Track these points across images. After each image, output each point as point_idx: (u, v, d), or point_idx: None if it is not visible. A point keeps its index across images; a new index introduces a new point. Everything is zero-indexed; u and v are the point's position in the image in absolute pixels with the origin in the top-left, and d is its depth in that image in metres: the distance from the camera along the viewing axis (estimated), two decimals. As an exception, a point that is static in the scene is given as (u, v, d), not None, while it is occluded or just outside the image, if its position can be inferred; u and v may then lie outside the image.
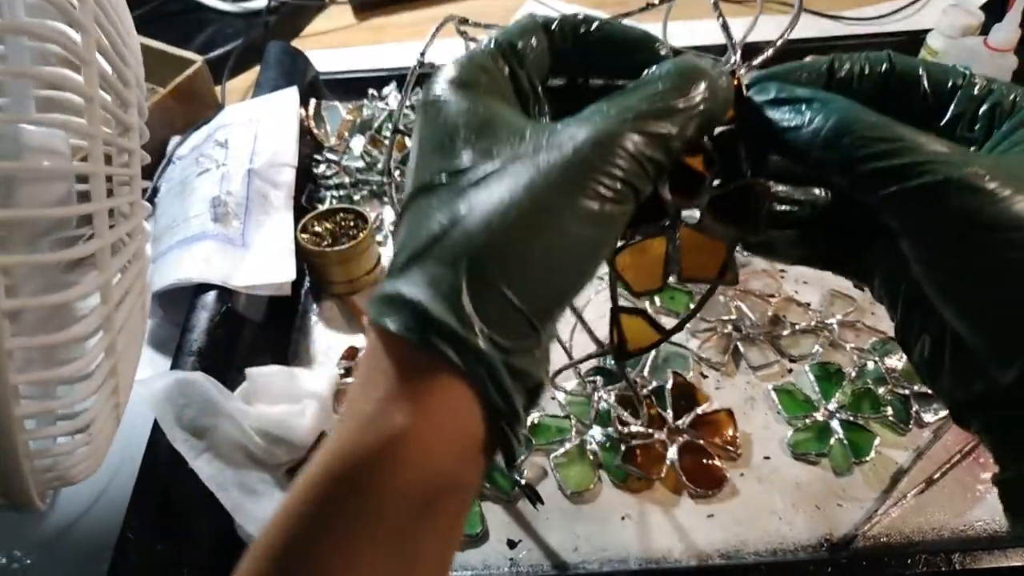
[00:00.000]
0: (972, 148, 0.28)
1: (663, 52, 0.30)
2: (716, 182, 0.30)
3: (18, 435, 0.30)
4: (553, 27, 0.31)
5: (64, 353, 0.31)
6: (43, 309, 0.31)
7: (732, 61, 0.30)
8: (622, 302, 0.33)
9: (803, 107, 0.28)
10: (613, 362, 0.61)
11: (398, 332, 0.24)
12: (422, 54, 0.38)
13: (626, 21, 0.35)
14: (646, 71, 0.27)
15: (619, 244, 0.30)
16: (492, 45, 0.29)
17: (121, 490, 0.50)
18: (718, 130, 0.29)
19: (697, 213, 0.31)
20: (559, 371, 0.54)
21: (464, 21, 0.39)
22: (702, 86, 0.26)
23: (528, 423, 0.58)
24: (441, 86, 0.28)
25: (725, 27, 0.31)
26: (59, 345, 0.30)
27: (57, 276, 0.32)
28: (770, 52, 0.32)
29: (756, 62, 0.32)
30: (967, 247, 0.25)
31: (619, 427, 0.57)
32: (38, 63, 0.32)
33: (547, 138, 0.26)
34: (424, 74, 0.38)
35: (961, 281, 0.25)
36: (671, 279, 0.32)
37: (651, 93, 0.26)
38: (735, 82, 0.29)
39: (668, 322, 0.34)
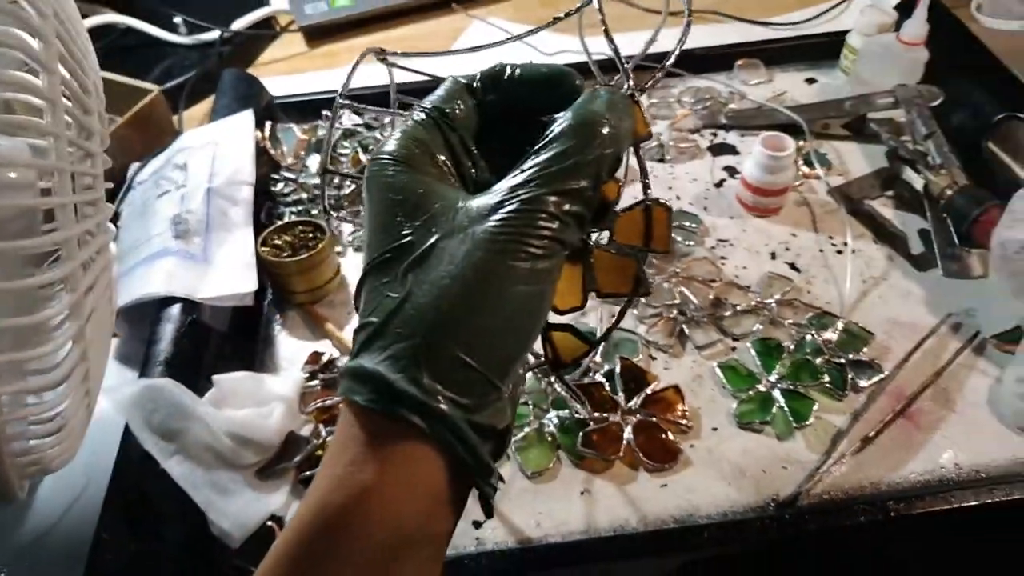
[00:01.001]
0: None
1: (577, 82, 0.33)
2: (619, 206, 0.33)
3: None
4: (475, 84, 0.34)
5: (34, 338, 0.33)
6: (11, 295, 0.33)
7: (625, 87, 0.33)
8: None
9: None
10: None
11: (365, 404, 0.27)
12: (341, 94, 0.40)
13: (546, 32, 0.38)
14: (549, 129, 0.30)
15: None
16: (423, 115, 0.33)
17: (95, 494, 0.52)
18: None
19: (606, 235, 0.34)
20: None
21: (381, 52, 0.41)
22: (603, 132, 0.30)
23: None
24: (382, 162, 0.31)
25: (616, 53, 0.34)
26: (29, 329, 0.32)
27: (25, 266, 0.34)
28: (659, 74, 0.35)
29: (649, 83, 0.34)
30: None
31: (575, 415, 0.60)
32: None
33: (477, 210, 0.29)
34: (347, 107, 0.41)
35: None
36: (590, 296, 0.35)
37: (558, 153, 0.29)
38: (635, 105, 0.32)
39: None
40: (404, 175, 0.31)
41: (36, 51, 0.33)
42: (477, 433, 0.28)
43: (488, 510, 0.30)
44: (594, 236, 0.34)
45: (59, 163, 0.32)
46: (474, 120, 0.34)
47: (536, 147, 0.30)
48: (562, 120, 0.30)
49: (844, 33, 0.90)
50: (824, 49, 0.93)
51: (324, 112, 0.89)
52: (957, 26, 0.89)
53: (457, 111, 0.33)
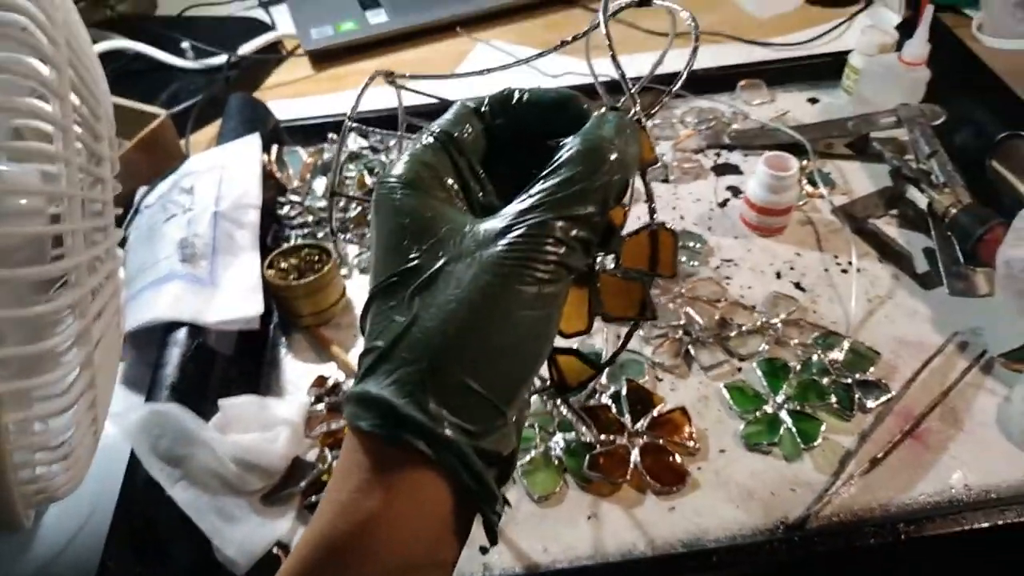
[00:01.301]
0: None
1: (584, 106, 0.33)
2: (625, 230, 0.33)
3: (4, 446, 0.32)
4: (483, 108, 0.35)
5: (42, 365, 0.33)
6: (19, 322, 0.33)
7: (632, 112, 0.33)
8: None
9: None
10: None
11: (370, 430, 0.27)
12: (350, 116, 0.41)
13: (553, 55, 0.38)
14: (557, 155, 0.30)
15: None
16: (432, 139, 0.33)
17: (101, 522, 0.52)
18: None
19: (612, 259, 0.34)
20: None
21: (391, 74, 0.42)
22: (610, 158, 0.30)
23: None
24: (390, 185, 0.31)
25: (623, 78, 0.34)
26: (36, 356, 0.32)
27: (33, 293, 0.35)
28: (666, 98, 0.35)
29: (656, 107, 0.35)
30: None
31: (581, 438, 0.60)
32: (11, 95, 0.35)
33: (484, 235, 0.29)
34: (354, 130, 0.41)
35: None
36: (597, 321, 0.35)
37: (565, 179, 0.29)
38: (641, 130, 0.32)
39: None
40: (412, 198, 0.31)
41: (48, 79, 0.33)
42: (482, 459, 0.28)
43: (493, 537, 0.30)
44: (600, 260, 0.34)
45: (69, 189, 0.32)
46: (482, 144, 0.34)
47: (544, 172, 0.30)
48: (570, 146, 0.30)
49: (846, 53, 0.91)
50: (826, 69, 0.93)
51: (330, 135, 0.90)
52: (958, 46, 0.90)
53: (465, 135, 0.33)
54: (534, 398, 0.63)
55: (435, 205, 0.31)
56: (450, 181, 0.32)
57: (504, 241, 0.28)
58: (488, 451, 0.28)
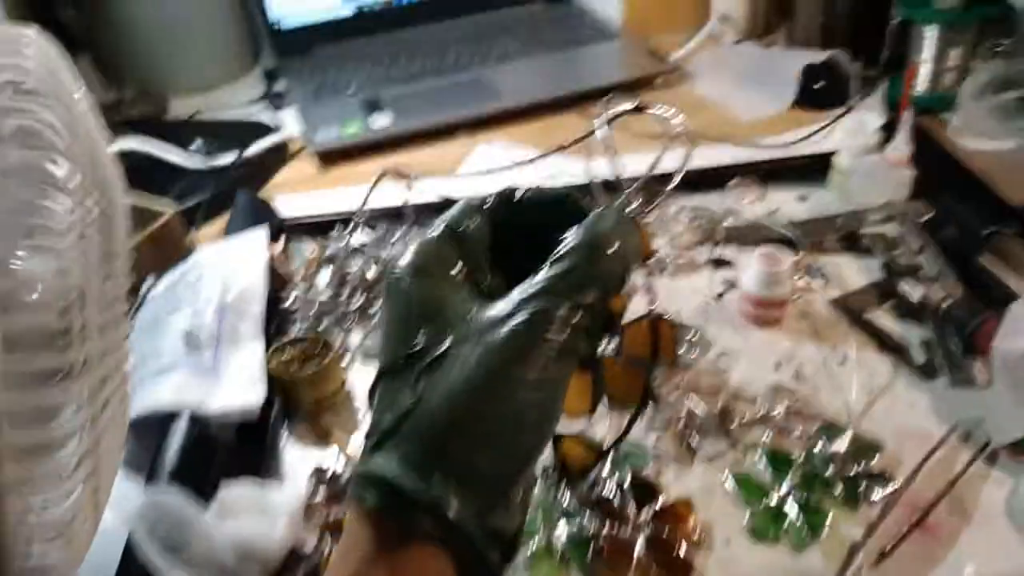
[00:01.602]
0: None
1: (581, 204, 0.36)
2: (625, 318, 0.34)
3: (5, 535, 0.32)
4: (487, 205, 0.37)
5: (44, 451, 0.33)
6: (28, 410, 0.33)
7: (631, 208, 0.35)
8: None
9: None
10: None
11: (375, 506, 0.28)
12: (362, 206, 0.43)
13: (553, 157, 0.40)
14: (561, 245, 0.32)
15: None
16: (439, 230, 0.35)
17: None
18: None
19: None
20: None
21: (400, 173, 0.44)
22: (611, 248, 0.31)
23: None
24: (400, 272, 0.33)
25: (619, 180, 0.36)
26: (42, 444, 0.32)
27: (39, 382, 0.35)
28: (663, 197, 0.37)
29: (654, 204, 0.37)
30: None
31: (584, 526, 0.58)
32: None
33: (489, 319, 0.30)
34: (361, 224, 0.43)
35: None
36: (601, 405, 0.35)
37: (568, 268, 0.31)
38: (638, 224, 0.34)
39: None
40: (419, 285, 0.32)
41: (65, 179, 0.35)
42: (487, 537, 0.28)
43: None
44: (603, 347, 0.35)
45: (82, 281, 0.33)
46: (486, 236, 0.36)
47: (548, 262, 0.31)
48: (573, 237, 0.32)
49: (831, 153, 0.95)
50: (813, 168, 0.97)
51: (335, 230, 0.91)
52: (938, 146, 0.94)
53: (470, 227, 0.35)
54: (538, 486, 0.62)
55: (442, 291, 0.32)
56: (456, 269, 0.34)
57: (508, 325, 0.29)
58: (492, 529, 0.28)
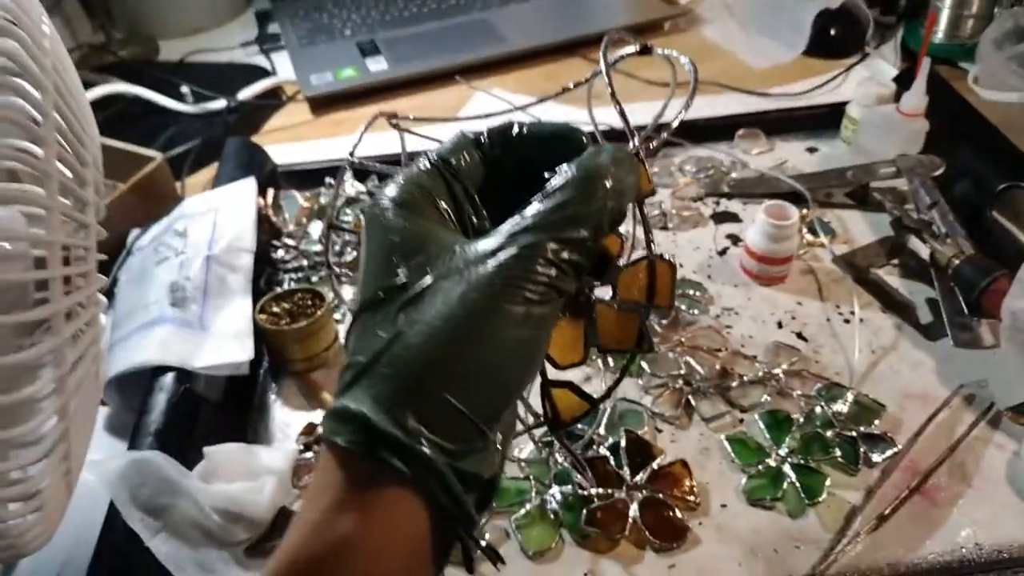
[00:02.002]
0: None
1: (583, 139, 0.33)
2: (622, 260, 0.32)
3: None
4: (483, 139, 0.35)
5: (14, 414, 0.32)
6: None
7: (632, 146, 0.33)
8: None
9: None
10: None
11: (346, 446, 0.26)
12: (351, 153, 0.41)
13: (551, 103, 0.38)
14: (552, 179, 0.30)
15: None
16: (428, 163, 0.33)
17: (75, 575, 0.49)
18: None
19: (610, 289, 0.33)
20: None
21: (394, 116, 0.42)
22: (607, 185, 0.29)
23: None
24: (383, 204, 0.31)
25: (623, 114, 0.34)
26: (9, 405, 0.31)
27: (9, 338, 0.33)
28: (664, 134, 0.35)
29: (654, 144, 0.35)
30: None
31: (579, 490, 0.58)
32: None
33: (475, 253, 0.29)
34: (357, 170, 0.41)
35: None
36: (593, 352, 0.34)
37: (560, 202, 0.29)
38: (640, 164, 0.32)
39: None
40: (403, 218, 0.31)
41: (33, 122, 0.33)
42: (462, 481, 0.27)
43: (470, 565, 0.29)
44: (597, 291, 0.33)
45: (52, 236, 0.31)
46: (479, 173, 0.34)
47: (538, 196, 0.30)
48: (566, 171, 0.30)
49: (843, 104, 0.91)
50: (824, 119, 0.94)
51: (327, 180, 0.89)
52: (955, 98, 0.90)
53: (462, 163, 0.33)
54: (530, 446, 0.61)
55: (426, 225, 0.31)
56: (444, 204, 0.32)
57: (494, 260, 0.28)
58: (468, 472, 0.27)
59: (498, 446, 0.29)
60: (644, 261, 0.32)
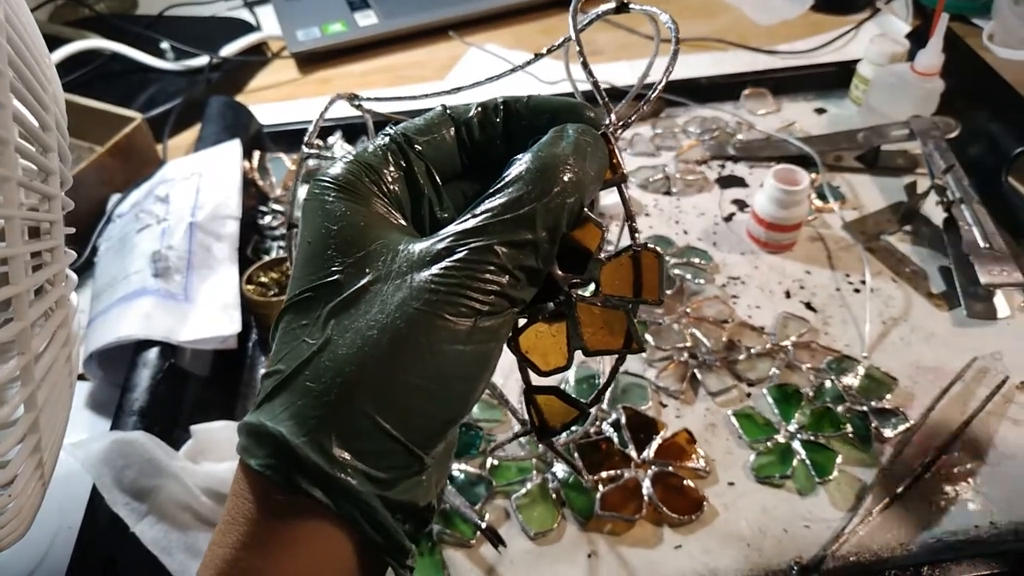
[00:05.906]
0: None
1: (589, 114, 0.29)
2: (604, 253, 0.29)
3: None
4: (471, 116, 0.30)
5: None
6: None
7: (607, 122, 0.29)
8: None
9: None
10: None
11: (260, 470, 0.23)
12: (306, 142, 0.37)
13: (548, 60, 0.34)
14: (505, 172, 0.26)
15: (520, 324, 0.29)
16: (386, 141, 0.28)
17: (58, 561, 0.47)
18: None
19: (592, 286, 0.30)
20: (493, 448, 0.56)
21: (355, 97, 0.38)
22: (564, 179, 0.26)
23: (488, 465, 0.57)
24: (323, 185, 0.27)
25: (596, 86, 0.31)
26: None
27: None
28: (643, 105, 0.31)
29: (632, 117, 0.31)
30: None
31: (585, 477, 0.55)
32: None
33: (419, 255, 0.25)
34: (310, 156, 0.37)
35: None
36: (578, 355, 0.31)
37: (513, 200, 0.25)
38: (608, 145, 0.28)
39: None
40: (344, 203, 0.27)
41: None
42: (392, 511, 0.24)
43: None
44: (576, 288, 0.30)
45: (9, 208, 0.28)
46: (452, 154, 0.30)
47: (491, 190, 0.26)
48: (521, 161, 0.26)
49: (854, 62, 0.88)
50: (833, 78, 0.90)
51: (316, 141, 0.85)
52: (971, 56, 0.87)
53: (430, 140, 0.29)
54: (515, 442, 0.59)
55: (370, 215, 0.27)
56: (395, 189, 0.28)
57: (439, 265, 0.24)
58: (399, 501, 0.24)
59: (435, 471, 0.26)
60: (628, 252, 0.29)
